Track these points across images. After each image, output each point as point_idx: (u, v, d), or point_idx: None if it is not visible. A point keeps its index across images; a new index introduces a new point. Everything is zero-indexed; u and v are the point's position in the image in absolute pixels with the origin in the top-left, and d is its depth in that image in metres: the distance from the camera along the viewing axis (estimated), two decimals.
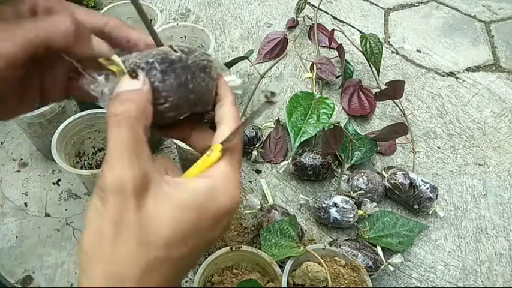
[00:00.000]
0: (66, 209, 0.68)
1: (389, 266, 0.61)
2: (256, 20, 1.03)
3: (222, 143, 0.28)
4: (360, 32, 1.02)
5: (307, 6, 1.00)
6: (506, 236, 0.70)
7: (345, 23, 1.05)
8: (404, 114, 0.83)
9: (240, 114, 0.72)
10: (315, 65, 0.84)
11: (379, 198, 0.70)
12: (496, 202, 0.74)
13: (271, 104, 0.25)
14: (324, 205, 0.66)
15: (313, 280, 0.55)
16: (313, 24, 0.97)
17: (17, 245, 0.63)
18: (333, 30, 0.92)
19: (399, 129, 0.72)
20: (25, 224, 0.66)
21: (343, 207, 0.65)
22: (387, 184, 0.70)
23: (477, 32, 1.06)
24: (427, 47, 1.01)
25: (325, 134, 0.70)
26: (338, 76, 0.89)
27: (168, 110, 0.28)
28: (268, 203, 0.68)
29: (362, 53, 0.85)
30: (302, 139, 0.70)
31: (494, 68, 0.98)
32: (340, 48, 0.87)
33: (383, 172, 0.72)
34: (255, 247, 0.57)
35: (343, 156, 0.72)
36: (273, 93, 0.24)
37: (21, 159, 0.73)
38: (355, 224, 0.66)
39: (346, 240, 0.64)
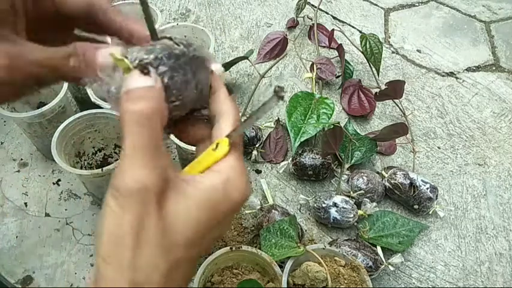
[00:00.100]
0: (66, 209, 0.68)
1: (390, 266, 0.61)
2: (256, 20, 1.03)
3: (228, 137, 0.27)
4: (360, 32, 1.02)
5: (307, 6, 1.00)
6: (506, 236, 0.70)
7: (345, 23, 1.05)
8: (404, 114, 0.83)
9: (240, 114, 0.72)
10: (315, 65, 0.84)
11: (379, 198, 0.70)
12: (496, 202, 0.74)
13: (280, 99, 0.24)
14: (324, 205, 0.66)
15: (313, 280, 0.55)
16: (313, 24, 0.97)
17: (17, 245, 0.63)
18: (333, 30, 0.92)
19: (399, 129, 0.72)
20: (25, 224, 0.66)
21: (343, 207, 0.65)
22: (387, 184, 0.70)
23: (477, 32, 1.06)
24: (427, 47, 1.01)
25: (325, 134, 0.70)
26: (338, 76, 0.89)
27: (176, 108, 0.28)
28: (268, 203, 0.68)
29: (362, 53, 0.85)
30: (302, 139, 0.70)
31: (494, 68, 0.98)
32: (340, 48, 0.87)
33: (383, 172, 0.72)
34: (255, 247, 0.57)
35: (343, 156, 0.72)
36: (282, 88, 0.24)
37: (21, 159, 0.73)
38: (355, 224, 0.66)
39: (346, 240, 0.64)
